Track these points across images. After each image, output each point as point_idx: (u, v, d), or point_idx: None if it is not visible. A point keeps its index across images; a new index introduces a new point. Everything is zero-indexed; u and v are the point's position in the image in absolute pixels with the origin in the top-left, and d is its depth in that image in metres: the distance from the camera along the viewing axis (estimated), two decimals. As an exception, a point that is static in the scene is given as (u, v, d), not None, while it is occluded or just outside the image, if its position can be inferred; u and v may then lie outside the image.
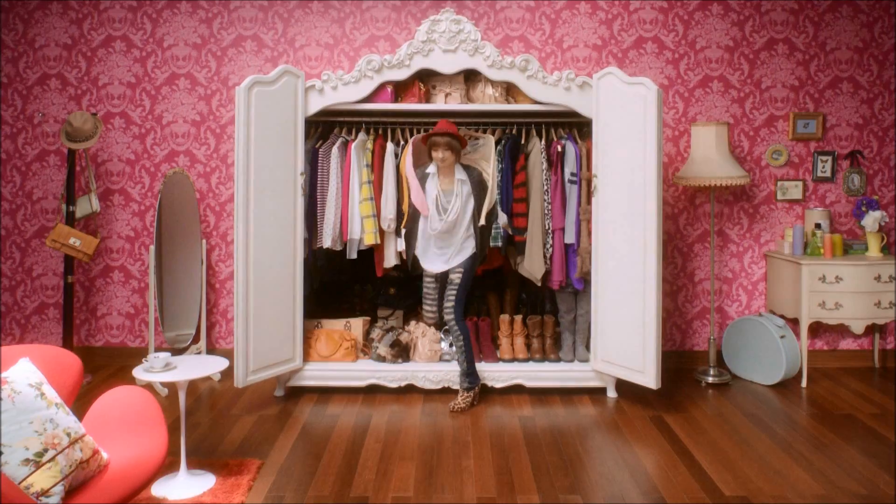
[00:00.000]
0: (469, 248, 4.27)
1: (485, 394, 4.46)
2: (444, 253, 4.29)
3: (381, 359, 4.51)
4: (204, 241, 4.96)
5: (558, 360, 4.57)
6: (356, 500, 3.10)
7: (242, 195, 4.07)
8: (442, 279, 4.40)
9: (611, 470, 3.40)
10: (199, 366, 3.27)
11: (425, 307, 4.47)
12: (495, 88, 4.51)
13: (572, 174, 4.41)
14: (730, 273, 5.14)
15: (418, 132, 4.64)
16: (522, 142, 4.55)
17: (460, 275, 4.26)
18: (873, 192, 5.12)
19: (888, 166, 5.11)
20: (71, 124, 4.65)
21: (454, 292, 4.27)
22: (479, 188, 4.25)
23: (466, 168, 4.24)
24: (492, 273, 4.94)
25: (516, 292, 5.01)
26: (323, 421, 4.04)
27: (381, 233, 4.49)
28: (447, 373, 4.43)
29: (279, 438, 3.78)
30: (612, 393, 4.44)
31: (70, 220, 4.71)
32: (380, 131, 4.64)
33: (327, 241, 4.46)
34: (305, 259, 4.47)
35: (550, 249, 4.43)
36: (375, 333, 4.63)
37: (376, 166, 4.47)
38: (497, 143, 4.50)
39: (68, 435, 2.36)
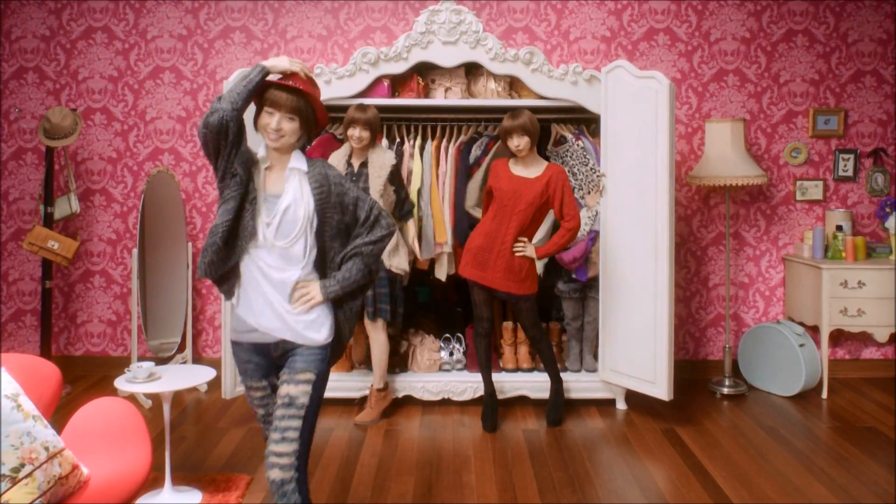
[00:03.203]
0: (324, 325, 2.46)
1: (487, 405, 4.47)
2: (278, 304, 2.42)
3: (377, 368, 4.50)
4: (190, 243, 4.97)
5: (564, 369, 4.58)
6: (351, 519, 3.11)
7: (230, 195, 4.07)
8: (269, 369, 2.53)
9: (620, 486, 3.41)
10: (184, 376, 3.28)
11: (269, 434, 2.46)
12: (498, 83, 4.53)
13: (592, 170, 4.42)
14: (746, 278, 5.15)
15: (416, 129, 4.66)
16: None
17: (309, 382, 2.40)
18: (898, 192, 5.14)
19: (913, 165, 5.13)
20: (49, 120, 4.66)
21: (296, 418, 2.36)
22: (333, 195, 2.48)
23: (309, 159, 2.54)
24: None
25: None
26: (316, 435, 4.02)
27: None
28: (447, 383, 4.44)
29: (269, 453, 3.78)
30: (621, 404, 4.45)
31: (48, 221, 4.72)
32: (376, 128, 4.65)
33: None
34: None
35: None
36: (371, 342, 4.63)
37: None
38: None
39: (46, 449, 2.37)
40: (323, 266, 2.50)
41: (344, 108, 4.52)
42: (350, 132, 4.04)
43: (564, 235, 3.99)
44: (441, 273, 4.54)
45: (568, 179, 4.03)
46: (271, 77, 2.45)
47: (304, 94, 2.46)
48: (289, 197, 2.42)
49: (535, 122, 3.97)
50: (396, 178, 4.18)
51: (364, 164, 4.13)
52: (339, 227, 2.51)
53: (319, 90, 2.57)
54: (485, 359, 4.20)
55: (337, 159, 4.17)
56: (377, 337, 4.23)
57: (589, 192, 4.44)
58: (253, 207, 2.41)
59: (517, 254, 3.99)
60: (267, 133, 2.43)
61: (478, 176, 4.49)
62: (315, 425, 2.44)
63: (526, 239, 4.03)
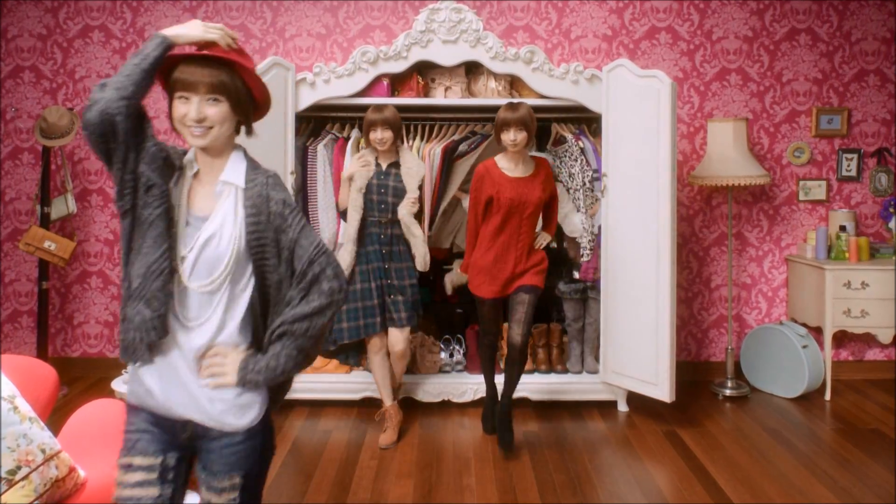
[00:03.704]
0: (253, 405, 1.80)
1: (487, 407, 4.47)
2: (185, 373, 1.77)
3: (377, 370, 4.49)
4: (187, 244, 4.96)
5: (565, 371, 4.59)
6: (350, 521, 3.11)
7: (229, 195, 4.07)
8: (169, 446, 1.82)
9: (622, 488, 3.41)
10: (182, 377, 3.28)
11: None
12: (498, 82, 4.53)
13: (594, 171, 4.43)
14: (748, 279, 5.15)
15: (416, 129, 4.66)
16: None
17: (235, 489, 1.79)
18: (902, 192, 5.14)
19: (917, 164, 5.13)
20: (46, 120, 4.67)
21: None
22: (271, 228, 1.79)
23: (254, 168, 1.86)
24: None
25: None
26: (314, 436, 4.05)
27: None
28: (447, 385, 4.44)
29: (268, 455, 3.78)
30: (622, 406, 4.45)
31: (45, 222, 4.72)
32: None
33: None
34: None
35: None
36: (370, 343, 4.62)
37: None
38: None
39: (43, 451, 2.37)
40: (260, 333, 1.84)
41: (344, 108, 4.54)
42: (371, 136, 3.93)
43: (557, 211, 4.10)
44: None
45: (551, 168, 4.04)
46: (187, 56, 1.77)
47: (229, 66, 1.78)
48: (216, 222, 1.76)
49: (534, 116, 3.79)
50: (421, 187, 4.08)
51: (394, 165, 4.01)
52: (277, 277, 1.79)
53: (252, 61, 1.87)
54: (489, 364, 4.08)
55: (363, 159, 4.02)
56: (404, 348, 4.11)
57: (593, 203, 4.43)
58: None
59: (540, 247, 3.91)
60: (187, 128, 1.75)
61: (462, 167, 4.46)
62: None
63: (540, 231, 4.01)
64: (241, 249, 1.76)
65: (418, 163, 4.04)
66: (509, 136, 3.73)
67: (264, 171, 1.83)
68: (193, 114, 1.73)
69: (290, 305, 1.76)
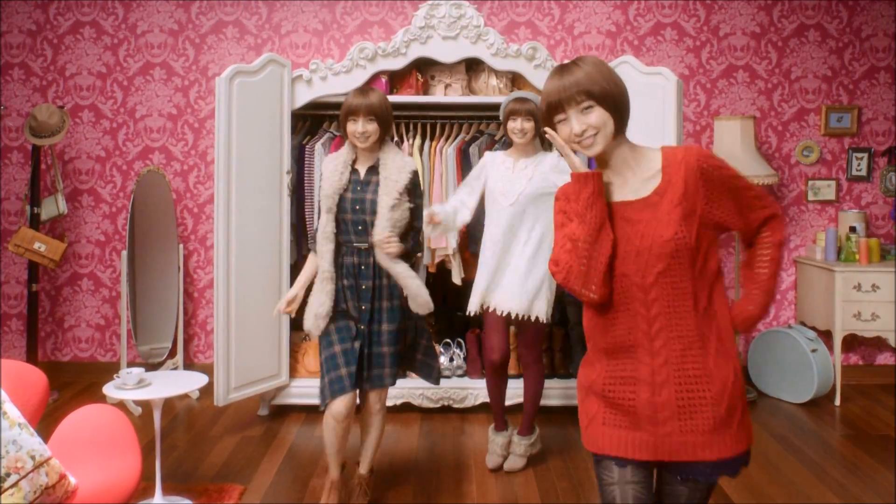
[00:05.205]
0: None
1: (489, 412, 4.46)
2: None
3: (375, 375, 4.47)
4: (181, 245, 4.97)
5: (568, 375, 4.58)
6: (347, 530, 3.11)
7: (223, 195, 4.08)
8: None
9: (626, 496, 3.41)
10: (175, 382, 3.28)
11: None
12: (500, 79, 4.53)
13: None
14: (756, 281, 5.15)
15: (415, 127, 4.66)
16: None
17: None
18: (913, 192, 5.14)
19: (929, 164, 5.14)
20: (35, 118, 4.67)
21: None
22: None
23: None
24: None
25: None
26: (311, 442, 4.05)
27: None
28: (447, 390, 4.44)
29: (263, 461, 3.79)
30: (627, 412, 4.44)
31: (34, 222, 4.73)
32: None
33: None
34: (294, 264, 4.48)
35: None
36: (368, 347, 4.59)
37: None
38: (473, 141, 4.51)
39: (32, 458, 2.37)
40: None
41: (339, 105, 4.52)
42: (351, 127, 3.03)
43: (777, 249, 1.92)
44: (456, 277, 4.53)
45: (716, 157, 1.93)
46: None
47: None
48: None
49: (620, 85, 1.87)
50: (416, 192, 3.13)
51: (373, 170, 3.10)
52: None
53: None
54: None
55: (335, 165, 3.12)
56: (382, 406, 3.26)
57: None
58: None
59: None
60: None
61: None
62: None
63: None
64: None
65: (401, 164, 3.09)
66: (583, 120, 1.81)
67: None
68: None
69: None
